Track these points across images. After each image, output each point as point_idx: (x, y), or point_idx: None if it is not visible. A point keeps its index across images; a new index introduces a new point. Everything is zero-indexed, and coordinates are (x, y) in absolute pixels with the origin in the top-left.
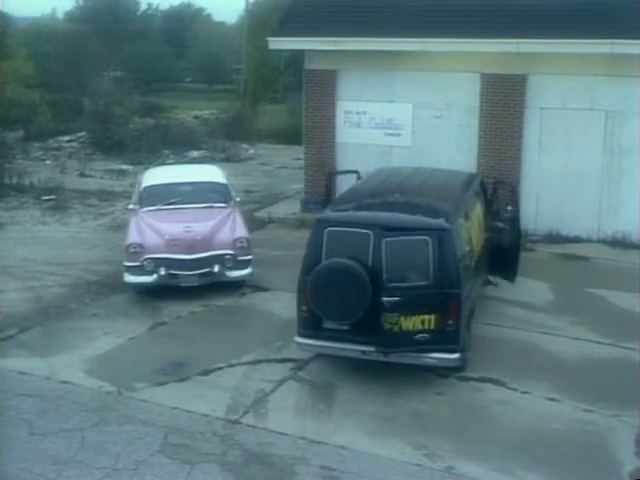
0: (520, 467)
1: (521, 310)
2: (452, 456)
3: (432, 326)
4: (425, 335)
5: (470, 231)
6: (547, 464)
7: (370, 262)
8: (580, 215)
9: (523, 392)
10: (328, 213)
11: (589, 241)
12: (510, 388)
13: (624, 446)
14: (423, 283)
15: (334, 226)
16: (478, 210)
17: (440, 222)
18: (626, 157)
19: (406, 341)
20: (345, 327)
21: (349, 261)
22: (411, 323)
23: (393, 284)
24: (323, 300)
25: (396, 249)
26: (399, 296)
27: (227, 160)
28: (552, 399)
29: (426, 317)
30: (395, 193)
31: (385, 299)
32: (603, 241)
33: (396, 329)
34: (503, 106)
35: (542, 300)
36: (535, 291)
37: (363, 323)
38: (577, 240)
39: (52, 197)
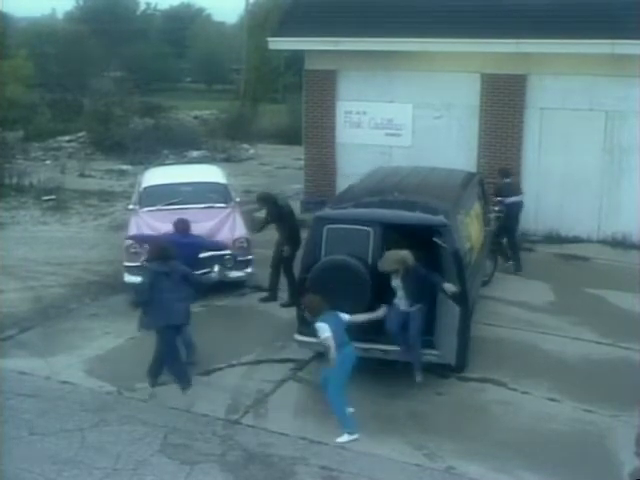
0: (520, 467)
1: (521, 310)
2: (452, 456)
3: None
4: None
5: (469, 228)
6: (547, 464)
7: (370, 259)
8: (580, 215)
9: (523, 392)
10: (327, 210)
11: (589, 241)
12: (510, 388)
13: (624, 446)
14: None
15: (333, 223)
16: (477, 208)
17: (439, 219)
18: (626, 157)
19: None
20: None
21: (349, 258)
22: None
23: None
24: (323, 297)
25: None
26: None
27: (227, 160)
28: (552, 399)
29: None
30: (394, 191)
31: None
32: (603, 241)
33: None
34: (503, 106)
35: (542, 300)
36: (535, 291)
37: None
38: (577, 240)
39: (52, 197)
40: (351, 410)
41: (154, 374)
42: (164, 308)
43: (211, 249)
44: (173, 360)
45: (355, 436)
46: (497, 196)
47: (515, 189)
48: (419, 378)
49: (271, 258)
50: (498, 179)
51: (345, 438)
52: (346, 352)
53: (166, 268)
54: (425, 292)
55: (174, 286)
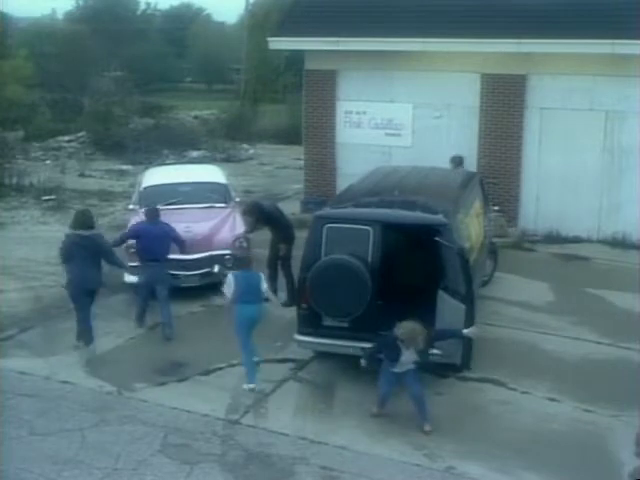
0: (520, 467)
1: (521, 310)
2: (452, 456)
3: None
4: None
5: (469, 228)
6: (547, 464)
7: (370, 258)
8: (580, 215)
9: (523, 392)
10: (327, 210)
11: (589, 241)
12: (510, 388)
13: (624, 446)
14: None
15: (333, 222)
16: (477, 208)
17: (439, 218)
18: (626, 157)
19: None
20: (345, 324)
21: (349, 257)
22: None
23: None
24: (323, 297)
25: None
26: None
27: (227, 160)
28: (552, 399)
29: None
30: (394, 191)
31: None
32: (603, 241)
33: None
34: (503, 106)
35: (542, 300)
36: (535, 291)
37: (363, 320)
38: (577, 240)
39: (52, 197)
40: (256, 359)
41: (86, 336)
42: (77, 273)
43: (177, 242)
44: (80, 316)
45: (252, 385)
46: None
47: None
48: (427, 427)
49: (267, 258)
50: (451, 166)
51: (246, 387)
52: (246, 307)
53: (81, 239)
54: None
55: (88, 254)
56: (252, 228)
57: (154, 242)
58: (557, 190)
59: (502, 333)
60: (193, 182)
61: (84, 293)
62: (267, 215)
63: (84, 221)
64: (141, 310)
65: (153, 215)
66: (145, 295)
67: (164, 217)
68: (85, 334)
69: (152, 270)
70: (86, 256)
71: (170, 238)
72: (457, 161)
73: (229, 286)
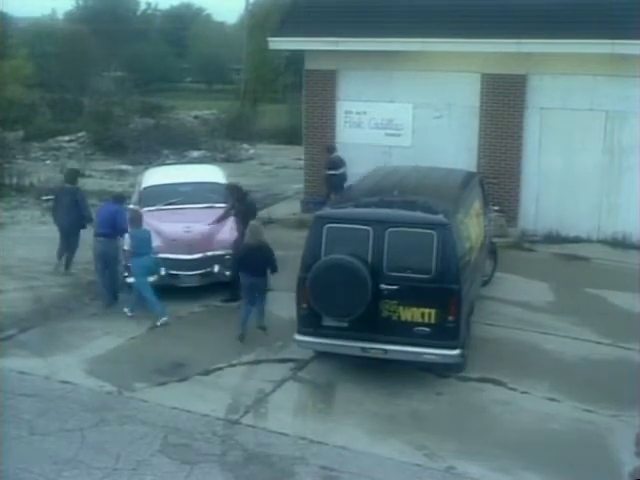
0: (520, 467)
1: (521, 310)
2: (452, 456)
3: (431, 321)
4: (424, 329)
5: (469, 228)
6: (547, 464)
7: (370, 258)
8: (580, 215)
9: (523, 392)
10: (327, 210)
11: (589, 241)
12: (510, 388)
13: (624, 446)
14: (423, 278)
15: (333, 222)
16: (477, 208)
17: (439, 218)
18: (626, 157)
19: (405, 333)
20: (345, 324)
21: (349, 257)
22: (410, 317)
23: (393, 280)
24: (323, 297)
25: (396, 245)
26: (399, 293)
27: (227, 160)
28: (552, 399)
29: (426, 313)
30: (394, 190)
31: (385, 299)
32: (603, 241)
33: (395, 320)
34: (503, 106)
35: (542, 300)
36: (535, 291)
37: (363, 320)
38: (577, 240)
39: (52, 197)
40: (127, 312)
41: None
42: (60, 214)
43: (120, 223)
44: (64, 245)
45: (130, 314)
46: (329, 169)
47: (340, 163)
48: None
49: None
50: (326, 155)
51: (127, 312)
52: (139, 258)
53: (62, 190)
54: None
55: (69, 202)
56: (226, 214)
57: (103, 220)
58: (557, 190)
59: (502, 333)
60: (193, 182)
61: (69, 229)
62: (246, 206)
63: (67, 177)
64: (100, 286)
65: (116, 197)
66: (100, 269)
67: (165, 217)
68: (65, 257)
69: (100, 244)
70: (68, 203)
71: (115, 218)
72: (331, 150)
73: (127, 243)
